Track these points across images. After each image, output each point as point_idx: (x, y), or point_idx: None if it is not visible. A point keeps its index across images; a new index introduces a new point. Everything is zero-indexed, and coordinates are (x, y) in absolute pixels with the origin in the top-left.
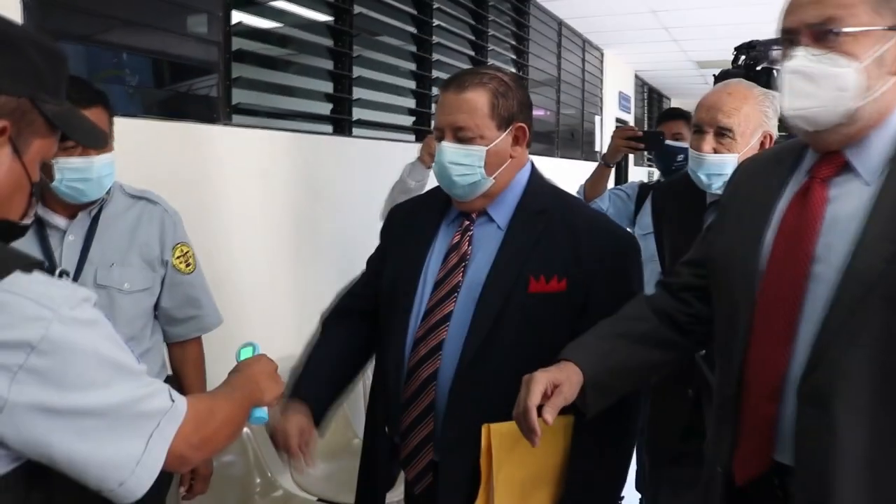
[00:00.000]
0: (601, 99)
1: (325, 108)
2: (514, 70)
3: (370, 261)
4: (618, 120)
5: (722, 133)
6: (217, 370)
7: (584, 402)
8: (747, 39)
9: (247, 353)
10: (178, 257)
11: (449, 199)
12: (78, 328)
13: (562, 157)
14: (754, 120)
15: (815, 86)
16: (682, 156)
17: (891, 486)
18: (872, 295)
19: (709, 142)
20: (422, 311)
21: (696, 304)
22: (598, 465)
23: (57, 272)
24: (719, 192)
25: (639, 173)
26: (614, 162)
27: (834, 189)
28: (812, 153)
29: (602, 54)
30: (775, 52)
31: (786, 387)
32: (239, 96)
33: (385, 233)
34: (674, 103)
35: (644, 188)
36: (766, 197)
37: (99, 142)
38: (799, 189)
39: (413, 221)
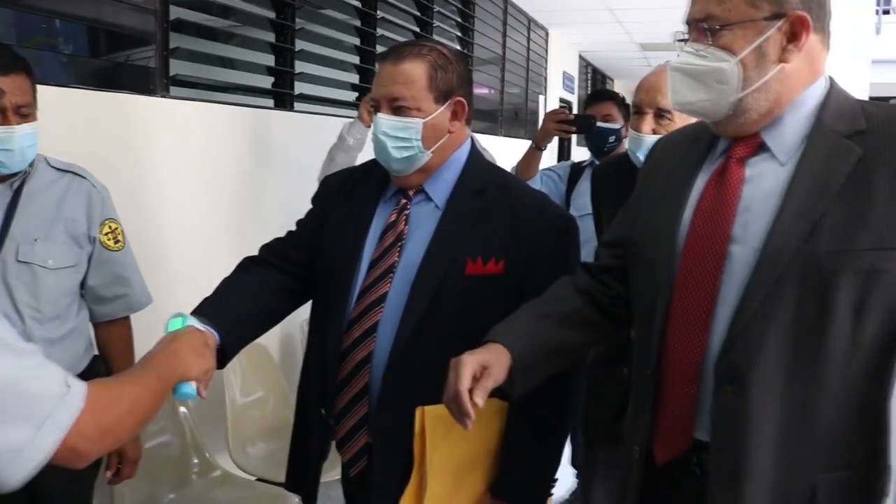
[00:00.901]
0: (545, 78)
1: (267, 82)
2: (458, 47)
3: (298, 223)
4: (561, 100)
5: (661, 114)
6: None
7: (511, 382)
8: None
9: (175, 325)
10: (107, 234)
11: (387, 176)
12: None
13: (505, 135)
14: None
15: (697, 81)
16: (613, 137)
17: (800, 459)
18: (787, 273)
19: (648, 122)
20: (356, 291)
21: (616, 286)
22: (532, 447)
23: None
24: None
25: (582, 153)
26: (545, 145)
27: (750, 169)
28: None
29: (547, 34)
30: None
31: (705, 366)
32: (177, 67)
33: (318, 202)
34: (617, 84)
35: (576, 169)
36: (683, 176)
37: None
38: (715, 169)
39: (350, 197)
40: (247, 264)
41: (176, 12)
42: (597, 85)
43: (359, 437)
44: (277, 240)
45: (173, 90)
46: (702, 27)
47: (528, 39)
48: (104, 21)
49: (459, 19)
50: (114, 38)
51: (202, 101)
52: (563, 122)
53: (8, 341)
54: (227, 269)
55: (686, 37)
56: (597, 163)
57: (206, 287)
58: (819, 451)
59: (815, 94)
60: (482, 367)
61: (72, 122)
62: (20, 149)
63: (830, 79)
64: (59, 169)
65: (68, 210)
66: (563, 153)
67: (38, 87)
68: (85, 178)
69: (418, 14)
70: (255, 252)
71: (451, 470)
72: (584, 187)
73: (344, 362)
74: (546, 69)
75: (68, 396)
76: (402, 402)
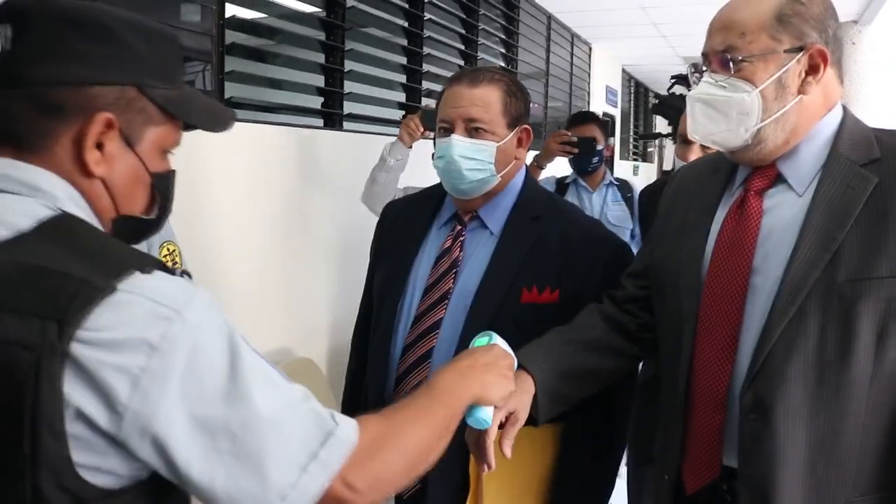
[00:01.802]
0: (588, 93)
1: (316, 102)
2: (503, 63)
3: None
4: (605, 114)
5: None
6: None
7: (536, 409)
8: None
9: (480, 343)
10: (165, 256)
11: (441, 201)
12: (205, 329)
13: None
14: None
15: (717, 111)
16: (595, 157)
17: (829, 483)
18: (808, 303)
19: (695, 151)
20: (411, 316)
21: (642, 315)
22: (586, 469)
23: (178, 272)
24: None
25: (625, 167)
26: (546, 164)
27: (768, 200)
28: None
29: (590, 48)
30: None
31: (730, 395)
32: (231, 89)
33: (378, 231)
34: None
35: (560, 184)
36: (704, 207)
37: (221, 122)
38: (735, 200)
39: (405, 221)
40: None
41: (231, 36)
42: (639, 98)
43: None
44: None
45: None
46: (724, 58)
47: (572, 54)
48: None
49: (504, 36)
50: None
51: (255, 122)
52: (566, 144)
53: (274, 376)
54: (281, 288)
55: (704, 67)
56: (580, 180)
57: (259, 306)
58: (847, 474)
59: (830, 124)
60: (508, 414)
61: None
62: None
63: (844, 108)
64: None
65: None
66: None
67: None
68: None
69: (463, 32)
70: (307, 270)
71: (506, 494)
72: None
73: (398, 387)
74: (589, 83)
75: (339, 433)
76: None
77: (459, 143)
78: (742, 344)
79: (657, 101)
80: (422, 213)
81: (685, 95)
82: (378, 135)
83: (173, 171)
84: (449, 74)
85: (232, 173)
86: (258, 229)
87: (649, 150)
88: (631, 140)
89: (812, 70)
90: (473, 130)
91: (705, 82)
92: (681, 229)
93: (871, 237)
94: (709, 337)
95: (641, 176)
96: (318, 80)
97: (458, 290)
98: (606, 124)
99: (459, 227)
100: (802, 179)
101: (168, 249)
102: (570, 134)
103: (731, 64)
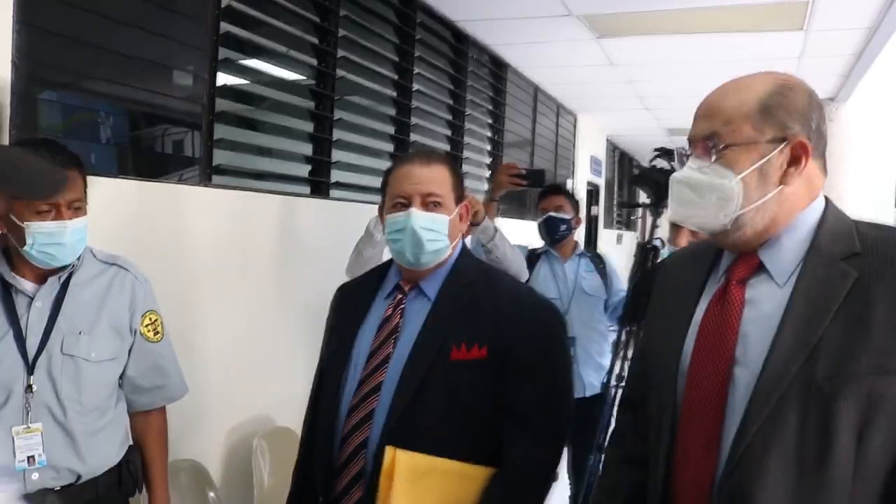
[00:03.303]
0: (573, 162)
1: (304, 170)
2: (489, 132)
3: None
4: (589, 183)
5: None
6: (186, 440)
7: None
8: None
9: None
10: (147, 325)
11: (384, 276)
12: None
13: (533, 219)
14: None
15: (698, 195)
16: (564, 226)
17: None
18: (787, 398)
19: (685, 235)
20: (356, 382)
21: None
22: None
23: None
24: None
25: (609, 236)
26: (498, 196)
27: (750, 290)
28: (728, 252)
29: (575, 118)
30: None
31: (714, 490)
32: (219, 157)
33: (330, 310)
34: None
35: (532, 255)
36: (686, 297)
37: (41, 190)
38: (717, 290)
39: (351, 298)
40: None
41: (221, 104)
42: (624, 167)
43: None
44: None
45: (215, 178)
46: (707, 144)
47: (557, 124)
48: (154, 112)
49: (490, 106)
50: (160, 128)
51: (243, 189)
52: (515, 176)
53: None
54: (262, 356)
55: (689, 152)
56: (551, 251)
57: (239, 374)
58: None
59: (812, 215)
60: None
61: (116, 209)
62: (71, 243)
63: (826, 199)
64: (103, 261)
65: (112, 303)
66: (590, 237)
67: (90, 176)
68: (128, 270)
69: (451, 102)
70: (288, 338)
71: None
72: (542, 273)
73: (342, 448)
74: (574, 152)
75: None
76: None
77: (420, 216)
78: (724, 437)
79: (637, 172)
80: (367, 288)
81: (665, 169)
82: (365, 203)
83: None
84: (437, 144)
85: (217, 239)
86: (241, 296)
87: (633, 218)
88: (615, 209)
89: (794, 161)
90: (431, 204)
91: (688, 167)
92: (664, 319)
93: (850, 332)
94: (691, 429)
95: (625, 244)
96: (307, 149)
97: (397, 354)
98: (574, 197)
99: (400, 297)
100: (783, 271)
101: (150, 318)
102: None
103: (713, 150)
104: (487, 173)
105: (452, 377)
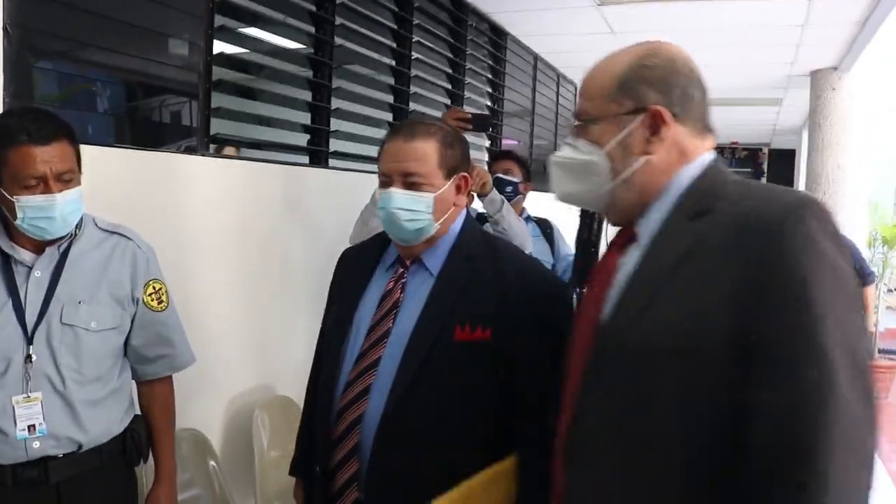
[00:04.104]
0: None
1: (302, 139)
2: (489, 102)
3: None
4: None
5: None
6: (187, 409)
7: None
8: (721, 80)
9: None
10: (150, 294)
11: (385, 245)
12: None
13: (534, 189)
14: None
15: (574, 173)
16: (510, 188)
17: None
18: (619, 356)
19: None
20: (355, 354)
21: None
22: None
23: None
24: None
25: None
26: None
27: (622, 257)
28: None
29: (576, 88)
30: None
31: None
32: (217, 126)
33: (333, 276)
34: None
35: (481, 218)
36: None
37: None
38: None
39: (354, 266)
40: None
41: (218, 73)
42: None
43: (350, 492)
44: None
45: (213, 148)
46: (576, 122)
47: (557, 93)
48: (150, 81)
49: (490, 75)
50: (157, 98)
51: (240, 158)
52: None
53: None
54: (263, 325)
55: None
56: None
57: (240, 343)
58: None
59: (683, 179)
60: None
61: (114, 179)
62: (61, 215)
63: (712, 162)
64: (105, 230)
65: (113, 272)
66: None
67: (85, 146)
68: (130, 238)
69: (450, 71)
70: (288, 308)
71: None
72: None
73: (338, 422)
74: (574, 122)
75: None
76: (391, 462)
77: (397, 196)
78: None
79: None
80: (369, 258)
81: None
82: (364, 172)
83: None
84: (436, 113)
85: (217, 209)
86: (241, 266)
87: None
88: None
89: (655, 130)
90: (411, 184)
91: (564, 145)
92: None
93: (681, 290)
94: (567, 386)
95: None
96: (305, 118)
97: (397, 329)
98: (525, 162)
99: (402, 270)
100: (646, 235)
101: (154, 287)
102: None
103: (580, 127)
104: (487, 143)
105: (455, 358)
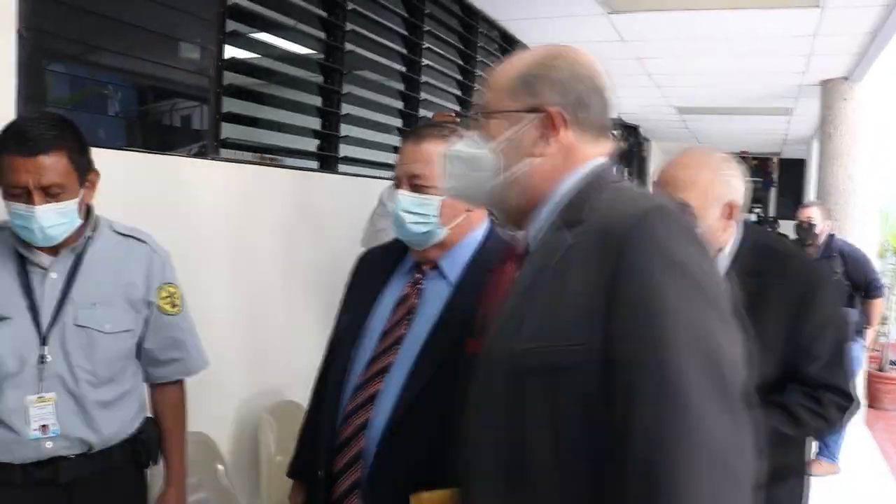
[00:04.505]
0: None
1: (312, 144)
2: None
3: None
4: None
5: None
6: (195, 413)
7: None
8: (730, 89)
9: None
10: (164, 298)
11: (406, 249)
12: None
13: None
14: (714, 191)
15: (461, 167)
16: None
17: None
18: (496, 371)
19: None
20: (366, 359)
21: None
22: None
23: None
24: None
25: None
26: None
27: (524, 265)
28: None
29: None
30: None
31: None
32: (227, 130)
33: (349, 278)
34: (653, 145)
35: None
36: None
37: None
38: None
39: (371, 269)
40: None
41: (229, 77)
42: (633, 145)
43: (351, 498)
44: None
45: (223, 152)
46: (476, 115)
47: None
48: (161, 85)
49: None
50: (167, 102)
51: (251, 163)
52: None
53: None
54: (272, 330)
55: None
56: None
57: (250, 348)
58: None
59: (567, 186)
60: None
61: (125, 182)
62: (39, 228)
63: (597, 168)
64: (121, 234)
65: (127, 275)
66: None
67: (96, 149)
68: (146, 242)
69: (460, 77)
70: (298, 313)
71: None
72: None
73: (344, 425)
74: None
75: None
76: (392, 471)
77: (403, 199)
78: None
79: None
80: (387, 261)
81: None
82: (373, 178)
83: None
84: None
85: (225, 213)
86: (250, 270)
87: None
88: None
89: (547, 132)
90: (416, 186)
91: (463, 139)
92: None
93: (549, 303)
94: None
95: None
96: (315, 123)
97: (411, 336)
98: None
99: (419, 276)
100: (532, 243)
101: (168, 291)
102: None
103: (476, 121)
104: None
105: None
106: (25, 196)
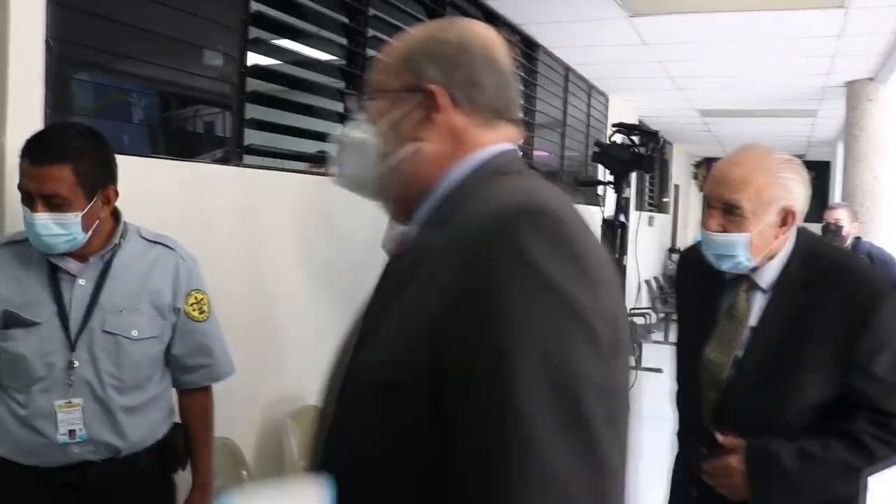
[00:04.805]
0: None
1: (334, 150)
2: (520, 113)
3: None
4: None
5: (730, 209)
6: (219, 418)
7: None
8: (753, 91)
9: None
10: (192, 304)
11: None
12: None
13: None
14: (769, 193)
15: (347, 154)
16: None
17: None
18: (349, 388)
19: (716, 218)
20: None
21: None
22: None
23: None
24: (734, 271)
25: (641, 218)
26: None
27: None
28: None
29: (607, 99)
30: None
31: None
32: (250, 136)
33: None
34: (676, 149)
35: None
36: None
37: None
38: None
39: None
40: None
41: (251, 84)
42: (653, 150)
43: None
44: None
45: (246, 158)
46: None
47: (589, 105)
48: (184, 92)
49: (522, 87)
50: (191, 109)
51: (274, 169)
52: None
53: None
54: (296, 335)
55: None
56: None
57: (274, 353)
58: None
59: (452, 178)
60: None
61: (149, 189)
62: (36, 236)
63: (490, 159)
64: (149, 240)
65: (154, 282)
66: None
67: (121, 156)
68: (174, 249)
69: None
70: (322, 318)
71: None
72: None
73: None
74: (606, 134)
75: None
76: None
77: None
78: None
79: (598, 150)
80: None
81: (626, 144)
82: None
83: None
84: None
85: (248, 219)
86: (274, 274)
87: (664, 200)
88: (647, 190)
89: (429, 114)
90: None
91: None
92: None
93: (391, 314)
94: None
95: (656, 227)
96: (337, 129)
97: None
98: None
99: None
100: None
101: (196, 298)
102: None
103: (365, 102)
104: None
105: None
106: (30, 202)
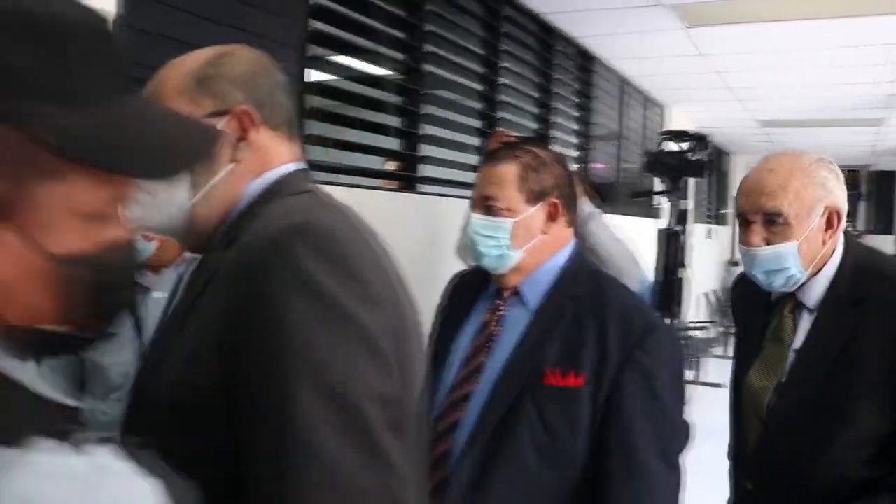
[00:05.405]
0: None
1: (392, 165)
2: (576, 125)
3: None
4: None
5: (771, 220)
6: None
7: None
8: (815, 100)
9: None
10: None
11: (489, 275)
12: None
13: (621, 213)
14: (809, 195)
15: (151, 195)
16: None
17: None
18: (141, 405)
19: (757, 232)
20: (448, 386)
21: None
22: None
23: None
24: (784, 289)
25: (699, 230)
26: None
27: None
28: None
29: (663, 110)
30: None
31: None
32: (310, 153)
33: (442, 298)
34: (736, 160)
35: None
36: None
37: (167, 167)
38: None
39: (460, 292)
40: None
41: (310, 100)
42: (710, 156)
43: None
44: None
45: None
46: None
47: (644, 117)
48: None
49: (577, 99)
50: None
51: (333, 184)
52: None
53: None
54: None
55: None
56: None
57: None
58: None
59: (244, 199)
60: None
61: None
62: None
63: (280, 178)
64: None
65: None
66: None
67: None
68: None
69: (537, 95)
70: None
71: None
72: None
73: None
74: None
75: None
76: (476, 501)
77: (475, 221)
78: None
79: (648, 159)
80: (473, 285)
81: (675, 152)
82: (453, 197)
83: (114, 247)
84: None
85: None
86: None
87: (723, 212)
88: (706, 203)
89: (243, 134)
90: (488, 208)
91: None
92: None
93: (190, 335)
94: None
95: (714, 239)
96: (395, 144)
97: (491, 365)
98: (594, 184)
99: (499, 302)
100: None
101: None
102: (511, 135)
103: None
104: (575, 167)
105: (542, 404)
106: None
